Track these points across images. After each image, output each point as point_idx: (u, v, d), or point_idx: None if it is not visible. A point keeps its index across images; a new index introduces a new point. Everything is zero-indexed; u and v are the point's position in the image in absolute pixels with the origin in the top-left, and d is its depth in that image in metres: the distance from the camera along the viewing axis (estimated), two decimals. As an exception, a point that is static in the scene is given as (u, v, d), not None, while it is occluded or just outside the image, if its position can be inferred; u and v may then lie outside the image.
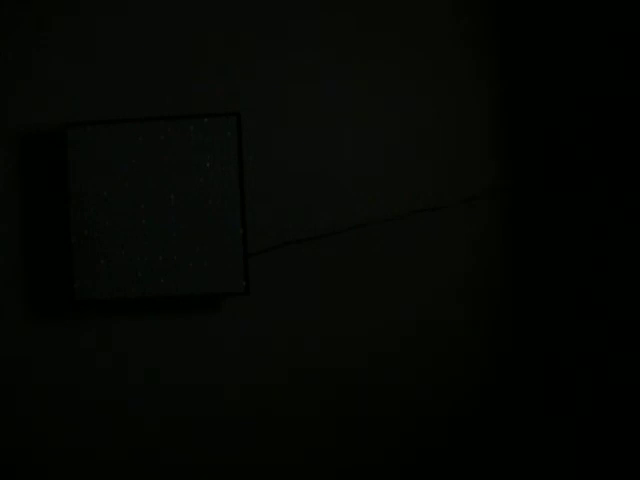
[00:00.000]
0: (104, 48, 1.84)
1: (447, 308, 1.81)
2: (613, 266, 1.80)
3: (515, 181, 1.83)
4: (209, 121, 1.73)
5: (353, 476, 1.79)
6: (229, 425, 1.80)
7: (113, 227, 1.73)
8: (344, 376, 1.80)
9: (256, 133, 1.83)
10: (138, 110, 1.83)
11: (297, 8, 1.84)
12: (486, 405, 1.80)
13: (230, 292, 1.72)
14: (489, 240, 1.82)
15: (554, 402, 1.80)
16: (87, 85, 1.84)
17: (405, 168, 1.83)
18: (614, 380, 1.79)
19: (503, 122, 1.83)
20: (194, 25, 1.84)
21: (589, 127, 1.82)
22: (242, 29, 1.84)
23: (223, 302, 1.81)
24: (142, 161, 1.73)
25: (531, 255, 1.81)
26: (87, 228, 1.73)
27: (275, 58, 1.83)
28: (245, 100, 1.83)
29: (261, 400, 1.80)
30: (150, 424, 1.80)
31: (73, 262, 1.72)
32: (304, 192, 1.82)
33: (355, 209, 1.82)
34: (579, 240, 1.81)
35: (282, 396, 1.80)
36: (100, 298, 1.72)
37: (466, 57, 1.83)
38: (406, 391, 1.80)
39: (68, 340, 1.81)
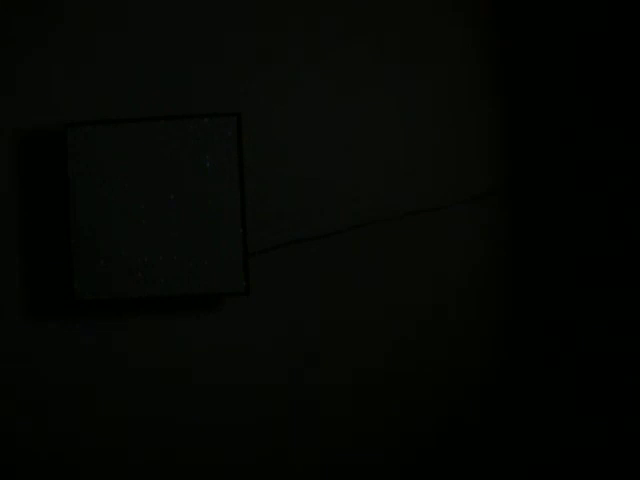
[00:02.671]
0: (104, 48, 1.84)
1: (447, 308, 1.81)
2: (614, 266, 1.80)
3: (516, 182, 1.83)
4: (209, 121, 1.73)
5: (353, 476, 1.79)
6: (229, 425, 1.80)
7: (113, 227, 1.73)
8: (344, 376, 1.80)
9: (256, 133, 1.83)
10: (138, 110, 1.83)
11: (297, 8, 1.84)
12: (486, 405, 1.80)
13: (230, 292, 1.72)
14: (489, 240, 1.82)
15: (554, 402, 1.80)
16: (87, 85, 1.84)
17: (405, 168, 1.83)
18: (614, 380, 1.79)
19: (505, 122, 1.83)
20: (194, 25, 1.84)
21: (592, 127, 1.82)
22: (242, 29, 1.84)
23: (223, 302, 1.81)
24: (142, 161, 1.73)
25: (532, 255, 1.81)
26: (87, 228, 1.73)
27: (275, 58, 1.83)
28: (245, 100, 1.83)
29: (261, 400, 1.80)
30: (150, 424, 1.80)
31: (73, 262, 1.72)
32: (304, 192, 1.82)
33: (355, 209, 1.82)
34: (580, 240, 1.81)
35: (282, 396, 1.80)
36: (100, 298, 1.72)
37: (467, 56, 1.83)
38: (406, 391, 1.80)
39: (68, 340, 1.81)
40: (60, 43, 1.84)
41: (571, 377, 1.80)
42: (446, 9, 1.83)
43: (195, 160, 1.73)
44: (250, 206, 1.82)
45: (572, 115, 1.83)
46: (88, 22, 1.84)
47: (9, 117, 1.84)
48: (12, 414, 1.81)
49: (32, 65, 1.84)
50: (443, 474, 1.80)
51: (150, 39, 1.84)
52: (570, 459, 1.79)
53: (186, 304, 1.81)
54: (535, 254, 1.81)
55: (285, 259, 1.81)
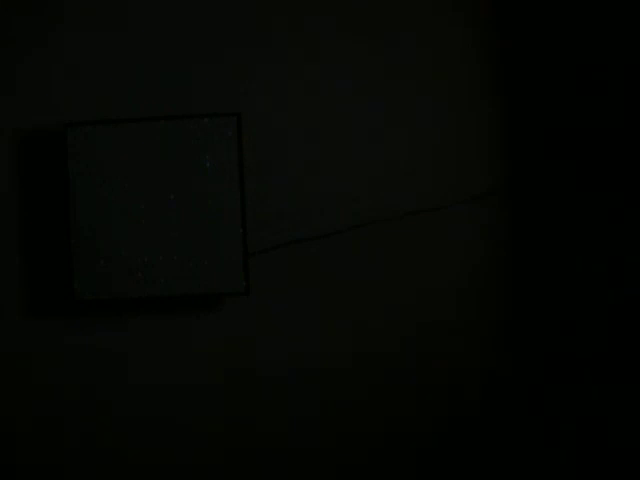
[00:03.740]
0: (104, 48, 1.84)
1: (447, 308, 1.81)
2: (614, 266, 1.80)
3: (516, 182, 1.83)
4: (209, 121, 1.73)
5: (353, 476, 1.80)
6: (229, 425, 1.80)
7: (113, 227, 1.73)
8: (344, 376, 1.80)
9: (256, 133, 1.83)
10: (138, 110, 1.83)
11: (297, 8, 1.84)
12: (486, 405, 1.80)
13: (230, 292, 1.72)
14: (489, 240, 1.82)
15: (554, 402, 1.80)
16: (87, 85, 1.84)
17: (405, 168, 1.83)
18: (615, 380, 1.79)
19: (505, 122, 1.83)
20: (194, 25, 1.84)
21: (592, 127, 1.82)
22: (242, 29, 1.84)
23: (223, 302, 1.81)
24: (142, 161, 1.73)
25: (532, 255, 1.81)
26: (87, 228, 1.73)
27: (275, 58, 1.83)
28: (245, 100, 1.83)
29: (261, 400, 1.80)
30: (150, 424, 1.80)
31: (73, 262, 1.72)
32: (304, 192, 1.82)
33: (355, 209, 1.82)
34: (581, 241, 1.81)
35: (282, 396, 1.80)
36: (100, 298, 1.72)
37: (467, 56, 1.83)
38: (406, 391, 1.80)
39: (68, 340, 1.81)
40: (60, 43, 1.84)
41: (571, 377, 1.80)
42: (446, 9, 1.84)
43: (195, 160, 1.73)
44: (250, 206, 1.82)
45: (572, 115, 1.83)
46: (88, 22, 1.84)
47: (9, 117, 1.84)
48: (12, 414, 1.81)
49: (32, 65, 1.84)
50: (443, 474, 1.80)
51: (150, 39, 1.84)
52: (569, 458, 1.79)
53: (186, 304, 1.81)
54: (535, 254, 1.81)
55: (285, 259, 1.81)
